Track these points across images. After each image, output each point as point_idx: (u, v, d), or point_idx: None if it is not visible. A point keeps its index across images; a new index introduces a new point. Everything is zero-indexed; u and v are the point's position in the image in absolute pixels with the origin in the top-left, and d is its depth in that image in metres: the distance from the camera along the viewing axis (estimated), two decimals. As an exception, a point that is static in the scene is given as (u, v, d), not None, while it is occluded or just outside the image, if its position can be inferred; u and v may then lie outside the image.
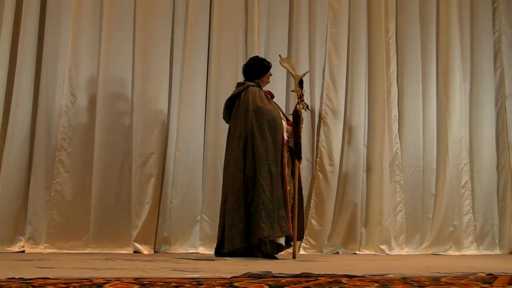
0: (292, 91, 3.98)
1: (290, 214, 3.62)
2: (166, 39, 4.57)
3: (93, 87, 4.38)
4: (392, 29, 5.23)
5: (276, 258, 3.59)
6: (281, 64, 3.98)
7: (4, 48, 4.14)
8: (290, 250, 3.78)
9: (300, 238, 3.90)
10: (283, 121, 3.79)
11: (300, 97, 3.82)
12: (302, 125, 3.85)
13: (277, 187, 3.58)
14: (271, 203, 3.52)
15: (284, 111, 4.17)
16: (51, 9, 4.35)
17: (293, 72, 3.96)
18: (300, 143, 3.78)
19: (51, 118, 4.27)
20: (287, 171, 3.70)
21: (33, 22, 4.26)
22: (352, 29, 5.15)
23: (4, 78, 4.15)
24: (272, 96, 3.99)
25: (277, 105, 3.98)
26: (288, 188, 3.69)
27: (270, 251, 3.66)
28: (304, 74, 3.96)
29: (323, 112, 4.94)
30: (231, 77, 4.65)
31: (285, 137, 3.76)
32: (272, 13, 4.95)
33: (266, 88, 4.02)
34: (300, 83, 3.87)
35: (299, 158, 3.79)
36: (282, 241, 3.72)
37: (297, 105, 3.80)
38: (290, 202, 3.69)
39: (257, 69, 3.93)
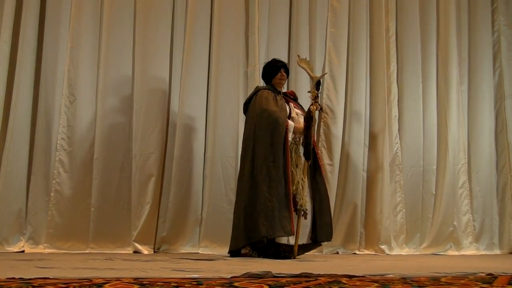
0: (308, 92, 4.01)
1: (293, 215, 3.62)
2: (166, 39, 4.56)
3: (92, 87, 4.37)
4: (392, 29, 5.22)
5: (289, 258, 3.63)
6: (299, 65, 4.04)
7: (4, 48, 4.14)
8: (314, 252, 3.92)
9: (326, 239, 3.92)
10: (290, 121, 3.80)
11: (315, 98, 3.87)
12: (314, 126, 3.92)
13: (278, 188, 3.60)
14: (270, 204, 3.55)
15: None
16: (51, 9, 4.35)
17: (311, 73, 4.00)
18: (310, 144, 3.82)
19: (50, 118, 4.27)
20: (292, 171, 3.72)
21: (33, 22, 4.26)
22: (352, 29, 5.15)
23: (4, 78, 4.14)
24: (294, 97, 4.06)
25: (299, 105, 4.03)
26: (294, 187, 3.71)
27: (286, 253, 3.68)
28: (322, 76, 4.07)
29: (323, 112, 4.95)
30: (231, 77, 4.65)
31: (289, 138, 3.76)
32: (272, 13, 4.94)
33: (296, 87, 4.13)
34: (317, 84, 3.92)
35: (308, 158, 3.81)
36: (291, 241, 3.72)
37: (311, 106, 3.85)
38: (302, 202, 3.71)
39: (266, 72, 4.03)
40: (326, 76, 4.99)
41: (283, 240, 3.68)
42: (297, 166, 3.81)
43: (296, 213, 3.71)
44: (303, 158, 3.84)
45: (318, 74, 5.00)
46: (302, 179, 3.77)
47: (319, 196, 3.88)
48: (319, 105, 3.92)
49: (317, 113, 3.99)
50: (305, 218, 3.77)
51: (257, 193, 3.62)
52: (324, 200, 3.90)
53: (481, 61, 5.63)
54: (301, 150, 3.86)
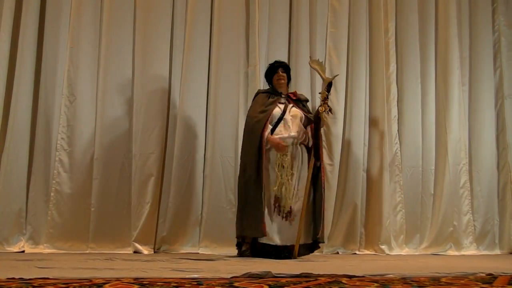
0: (319, 93, 4.01)
1: (265, 217, 3.65)
2: (166, 39, 4.56)
3: (92, 86, 4.37)
4: (392, 29, 5.22)
5: (275, 258, 3.61)
6: (311, 66, 4.07)
7: (4, 48, 4.14)
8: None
9: (317, 240, 3.90)
10: (270, 125, 3.79)
11: (324, 99, 3.86)
12: (322, 127, 3.96)
13: (250, 191, 3.70)
14: (245, 206, 3.72)
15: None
16: (51, 9, 4.35)
17: (323, 75, 3.99)
18: (318, 145, 3.83)
19: (50, 118, 4.27)
20: (276, 173, 3.73)
21: (33, 22, 4.26)
22: (352, 29, 5.15)
23: (4, 77, 4.15)
24: (297, 97, 4.04)
25: (302, 106, 4.03)
26: (275, 188, 3.70)
27: (286, 253, 3.70)
28: (334, 77, 4.06)
29: (332, 113, 4.93)
30: (231, 77, 4.65)
31: (265, 142, 3.75)
32: (272, 13, 4.94)
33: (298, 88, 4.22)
34: (329, 86, 3.92)
35: (317, 159, 3.84)
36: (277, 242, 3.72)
37: (319, 107, 3.86)
38: (286, 204, 3.71)
39: (266, 73, 4.10)
40: (326, 75, 4.99)
41: (277, 241, 3.68)
42: (283, 167, 3.77)
43: (280, 215, 3.71)
44: (290, 159, 3.79)
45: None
46: (288, 181, 3.75)
47: (318, 198, 3.86)
48: (328, 106, 3.88)
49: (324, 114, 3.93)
50: (287, 219, 3.73)
51: (239, 194, 3.85)
52: (320, 202, 3.87)
53: (482, 61, 5.62)
54: (295, 150, 3.83)
